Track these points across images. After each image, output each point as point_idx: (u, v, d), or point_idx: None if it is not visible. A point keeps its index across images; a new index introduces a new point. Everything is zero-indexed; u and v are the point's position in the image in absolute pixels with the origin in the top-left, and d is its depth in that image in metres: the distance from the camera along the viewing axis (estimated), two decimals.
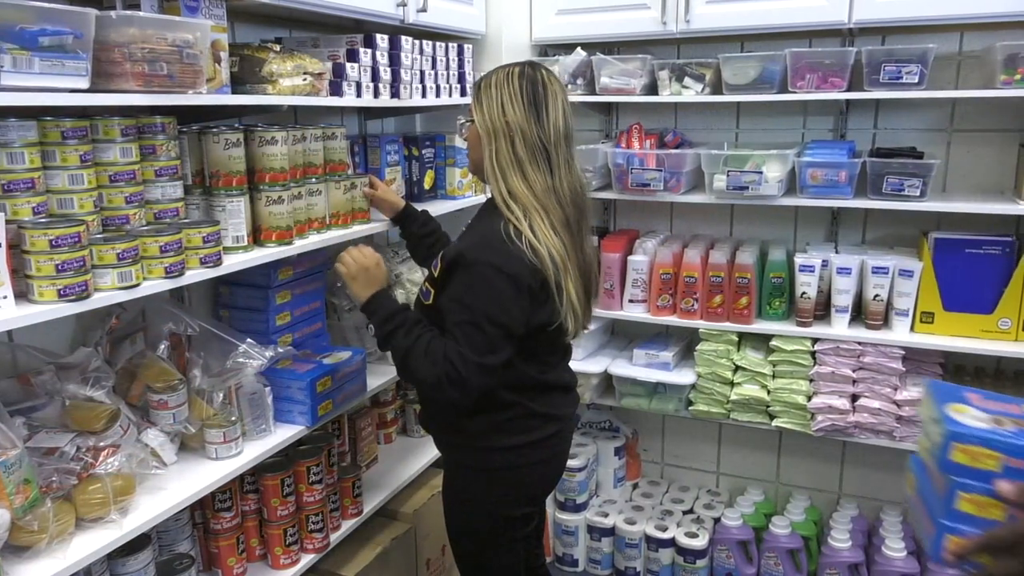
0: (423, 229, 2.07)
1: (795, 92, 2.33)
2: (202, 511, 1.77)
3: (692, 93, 2.50)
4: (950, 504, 0.90)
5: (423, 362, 1.58)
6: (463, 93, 2.42)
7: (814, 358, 2.43)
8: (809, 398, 2.43)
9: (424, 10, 2.16)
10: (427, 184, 2.46)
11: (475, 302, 1.58)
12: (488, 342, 1.57)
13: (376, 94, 2.00)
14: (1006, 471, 0.87)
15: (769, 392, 2.48)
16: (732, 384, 2.54)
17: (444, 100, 2.32)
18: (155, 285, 1.41)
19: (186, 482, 1.56)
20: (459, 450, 1.76)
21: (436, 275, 1.65)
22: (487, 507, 1.74)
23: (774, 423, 2.50)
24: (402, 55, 2.08)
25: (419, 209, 2.11)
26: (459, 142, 2.44)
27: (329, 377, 1.86)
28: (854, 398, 2.40)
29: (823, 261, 2.40)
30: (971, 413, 0.94)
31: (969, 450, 0.89)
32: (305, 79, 1.73)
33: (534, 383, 1.70)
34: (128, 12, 1.34)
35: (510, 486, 1.73)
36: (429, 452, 2.44)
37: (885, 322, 2.39)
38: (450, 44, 2.34)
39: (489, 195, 1.72)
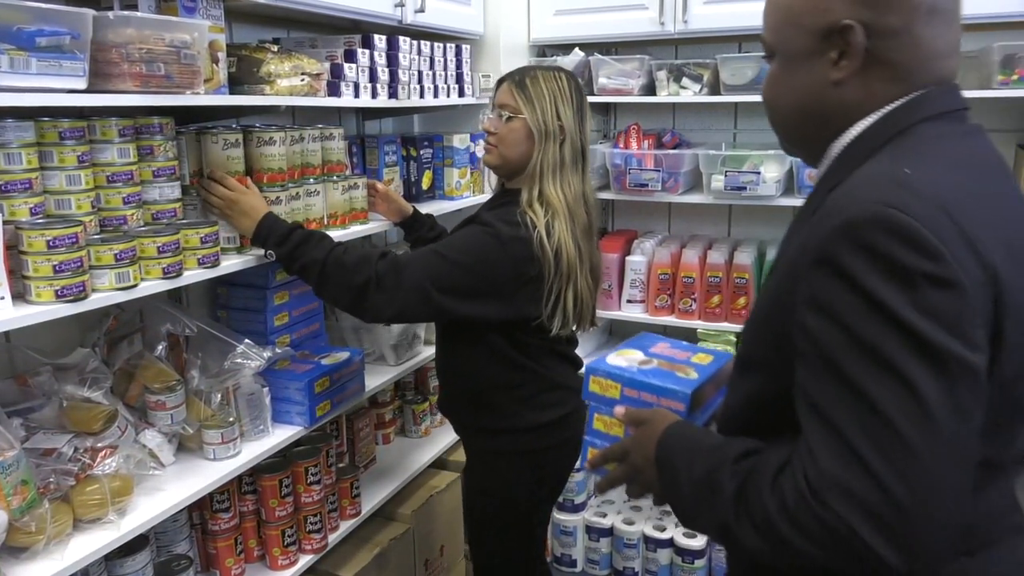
0: (431, 233, 2.08)
1: None
2: (200, 512, 1.77)
3: (690, 93, 2.50)
4: (590, 424, 1.14)
5: (345, 266, 1.55)
6: (461, 94, 2.42)
7: None
8: None
9: (422, 10, 2.16)
10: (425, 185, 2.46)
11: (458, 243, 1.60)
12: (445, 276, 1.55)
13: (374, 95, 2.00)
14: (623, 398, 1.09)
15: None
16: None
17: (442, 100, 2.31)
18: (153, 286, 1.41)
19: (184, 483, 1.56)
20: (485, 435, 1.79)
21: None
22: (514, 493, 1.78)
23: None
24: (400, 55, 2.08)
25: (424, 213, 2.12)
26: (458, 141, 2.44)
27: (327, 378, 1.86)
28: None
29: None
30: (630, 355, 1.17)
31: (600, 381, 1.12)
32: (303, 79, 1.73)
33: (543, 346, 1.73)
34: (125, 12, 1.34)
35: (535, 468, 1.77)
36: (428, 453, 2.43)
37: None
38: (448, 45, 2.34)
39: (491, 191, 1.74)
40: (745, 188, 2.37)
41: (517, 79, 1.71)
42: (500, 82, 1.77)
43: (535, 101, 1.67)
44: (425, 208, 2.35)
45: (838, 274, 0.77)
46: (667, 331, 2.87)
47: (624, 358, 1.16)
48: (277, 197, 1.70)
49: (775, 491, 0.80)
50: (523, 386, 1.73)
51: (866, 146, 0.90)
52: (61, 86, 1.22)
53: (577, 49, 2.62)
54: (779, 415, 0.87)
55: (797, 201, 2.37)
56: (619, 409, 1.08)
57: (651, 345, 1.24)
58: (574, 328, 1.77)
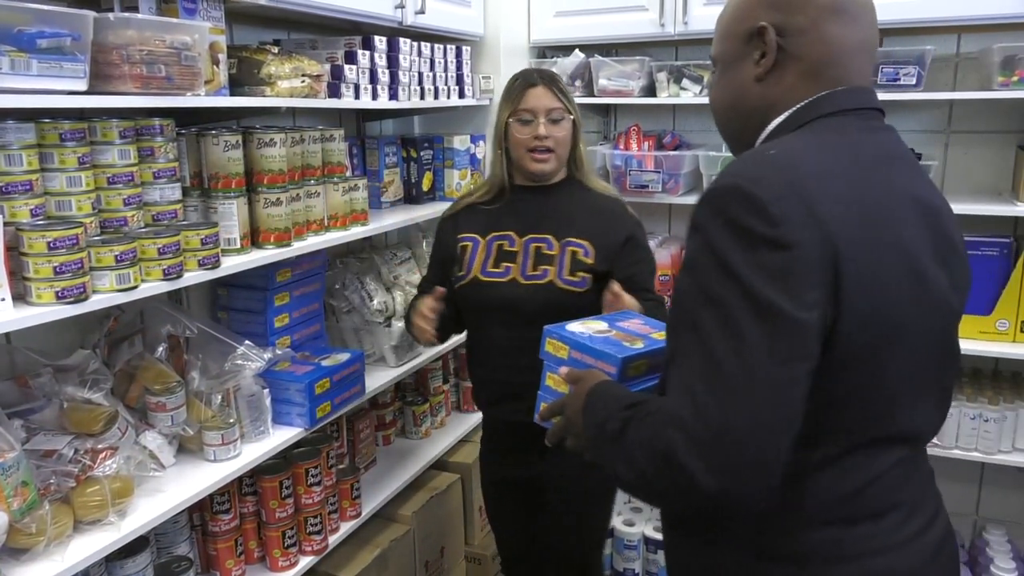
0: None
1: None
2: (200, 513, 1.77)
3: (690, 94, 2.50)
4: (543, 381, 1.26)
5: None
6: (461, 95, 2.42)
7: None
8: None
9: (422, 12, 2.16)
10: (425, 186, 2.46)
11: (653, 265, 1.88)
12: None
13: (374, 96, 2.00)
14: (570, 359, 1.20)
15: None
16: None
17: (442, 102, 2.32)
18: (153, 287, 1.41)
19: (184, 484, 1.56)
20: None
21: (592, 260, 1.77)
22: None
23: None
24: (400, 57, 2.08)
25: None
26: (458, 142, 2.44)
27: (327, 379, 1.86)
28: None
29: None
30: (593, 325, 1.28)
31: (553, 343, 1.24)
32: (303, 81, 1.73)
33: None
34: (126, 14, 1.35)
35: None
36: (428, 454, 2.43)
37: None
38: (448, 46, 2.34)
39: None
40: None
41: (553, 84, 1.81)
42: (524, 86, 1.79)
43: (572, 99, 1.84)
44: (426, 209, 2.35)
45: (699, 235, 0.89)
46: None
47: (585, 326, 1.27)
48: (278, 199, 1.70)
49: (641, 429, 0.91)
50: None
51: (773, 139, 1.01)
52: (62, 88, 1.22)
53: (577, 50, 2.62)
54: None
55: None
56: (563, 369, 1.19)
57: (623, 320, 1.33)
58: None
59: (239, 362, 1.69)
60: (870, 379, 0.92)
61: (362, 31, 2.04)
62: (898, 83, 2.20)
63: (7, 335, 1.50)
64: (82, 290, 1.27)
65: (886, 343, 0.91)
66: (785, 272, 0.84)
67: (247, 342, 1.72)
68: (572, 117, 1.81)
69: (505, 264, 1.81)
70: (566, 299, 1.74)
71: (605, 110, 2.91)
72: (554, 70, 2.61)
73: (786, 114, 1.00)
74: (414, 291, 2.30)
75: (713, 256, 0.87)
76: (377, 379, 2.15)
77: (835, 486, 0.94)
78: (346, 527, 2.04)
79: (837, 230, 0.86)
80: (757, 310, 0.83)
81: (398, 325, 2.22)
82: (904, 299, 0.92)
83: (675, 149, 2.65)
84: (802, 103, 0.99)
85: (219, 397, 1.67)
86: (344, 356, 1.96)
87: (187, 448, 1.68)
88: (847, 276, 0.86)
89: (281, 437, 1.78)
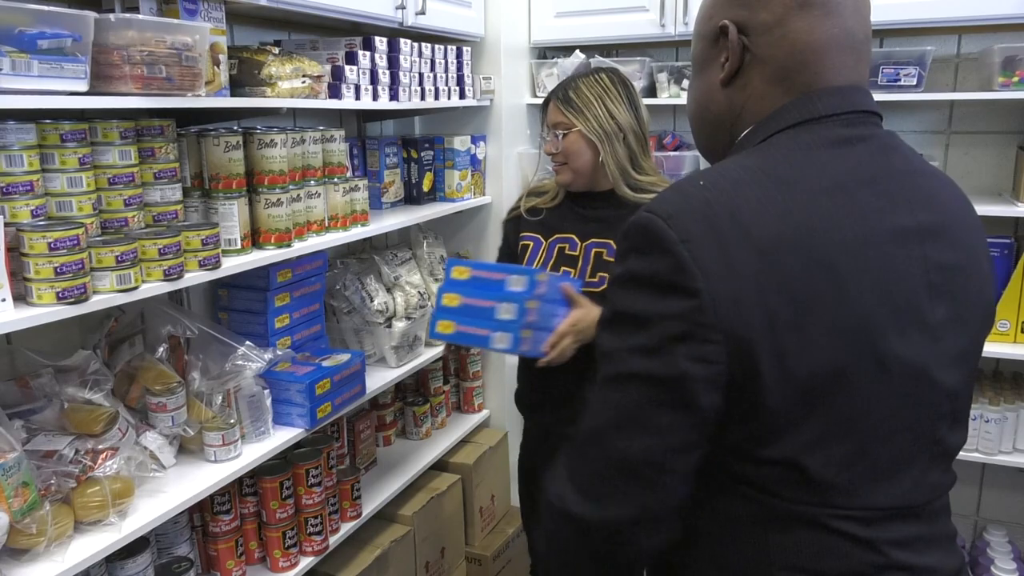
0: None
1: None
2: (201, 514, 1.77)
3: None
4: (439, 301, 1.75)
5: None
6: (462, 95, 2.42)
7: None
8: None
9: (423, 12, 2.16)
10: (426, 186, 2.46)
11: None
12: None
13: (375, 97, 2.00)
14: (472, 279, 1.62)
15: None
16: None
17: (443, 102, 2.32)
18: (154, 288, 1.41)
19: (185, 485, 1.56)
20: None
21: None
22: None
23: None
24: (401, 57, 2.08)
25: None
26: (458, 143, 2.44)
27: (328, 379, 1.86)
28: None
29: None
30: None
31: (458, 268, 1.68)
32: (304, 81, 1.73)
33: None
34: (127, 15, 1.35)
35: None
36: (429, 454, 2.43)
37: None
38: (448, 47, 2.34)
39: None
40: None
41: (561, 95, 1.78)
42: (546, 102, 1.84)
43: (584, 110, 1.74)
44: (426, 209, 2.35)
45: (618, 265, 0.84)
46: None
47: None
48: (278, 199, 1.70)
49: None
50: None
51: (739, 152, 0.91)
52: (63, 88, 1.22)
53: (578, 51, 2.62)
54: None
55: None
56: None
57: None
58: None
59: (239, 363, 1.69)
60: (801, 456, 0.80)
61: (362, 32, 2.04)
62: (898, 84, 2.20)
63: (8, 336, 1.49)
64: (83, 291, 1.27)
65: (810, 419, 0.80)
66: (687, 323, 0.76)
67: (248, 343, 1.72)
68: (577, 128, 1.75)
69: (564, 268, 1.82)
70: None
71: None
72: (555, 71, 2.63)
73: (752, 126, 0.89)
74: (415, 291, 2.31)
75: (623, 294, 0.81)
76: (377, 380, 2.15)
77: (798, 534, 0.83)
78: (346, 528, 2.04)
79: (755, 283, 0.76)
80: (621, 377, 0.80)
81: (399, 325, 2.22)
82: (844, 367, 0.79)
83: (675, 150, 2.65)
84: (769, 113, 0.87)
85: (220, 398, 1.67)
86: (344, 357, 1.96)
87: (187, 449, 1.68)
88: (760, 338, 0.76)
89: (281, 438, 1.78)
